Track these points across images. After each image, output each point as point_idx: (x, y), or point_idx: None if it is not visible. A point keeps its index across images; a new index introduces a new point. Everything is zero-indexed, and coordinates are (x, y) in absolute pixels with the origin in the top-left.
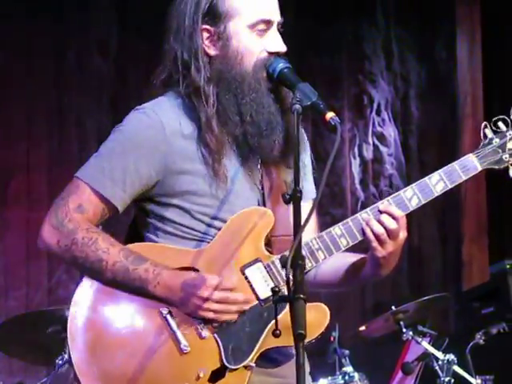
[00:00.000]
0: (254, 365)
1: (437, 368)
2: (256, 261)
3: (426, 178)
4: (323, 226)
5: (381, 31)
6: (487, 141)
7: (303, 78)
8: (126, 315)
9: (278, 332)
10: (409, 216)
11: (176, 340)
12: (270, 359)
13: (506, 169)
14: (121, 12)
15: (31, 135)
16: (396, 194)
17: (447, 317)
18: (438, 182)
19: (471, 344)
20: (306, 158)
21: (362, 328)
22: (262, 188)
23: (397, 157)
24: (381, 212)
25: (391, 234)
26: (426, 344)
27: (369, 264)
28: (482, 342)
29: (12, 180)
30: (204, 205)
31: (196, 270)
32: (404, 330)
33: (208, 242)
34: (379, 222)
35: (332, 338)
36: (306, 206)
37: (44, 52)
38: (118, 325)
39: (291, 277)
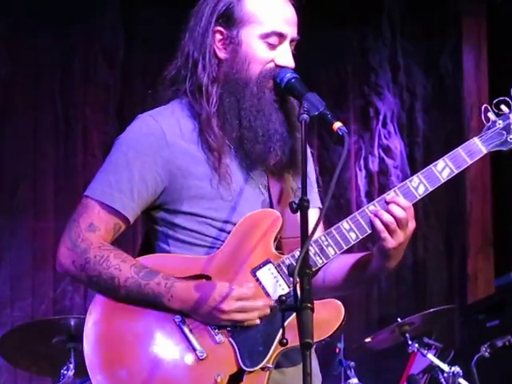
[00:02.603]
0: (271, 366)
1: (442, 380)
2: (266, 262)
3: (432, 166)
4: None
5: (387, 43)
6: (490, 124)
7: (309, 89)
8: (139, 327)
9: (284, 341)
10: (414, 228)
11: (191, 347)
12: (289, 358)
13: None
14: (127, 23)
15: (38, 146)
16: (402, 183)
17: (453, 329)
18: (443, 169)
19: (477, 357)
20: (310, 170)
21: (368, 340)
22: (269, 192)
23: (403, 169)
24: (387, 203)
25: (400, 223)
26: (431, 356)
27: (376, 258)
28: (487, 354)
29: (18, 190)
30: (213, 209)
31: (208, 277)
32: (409, 342)
33: (218, 247)
34: (388, 211)
35: (337, 350)
36: (312, 213)
37: (50, 63)
38: (132, 337)
39: (298, 286)
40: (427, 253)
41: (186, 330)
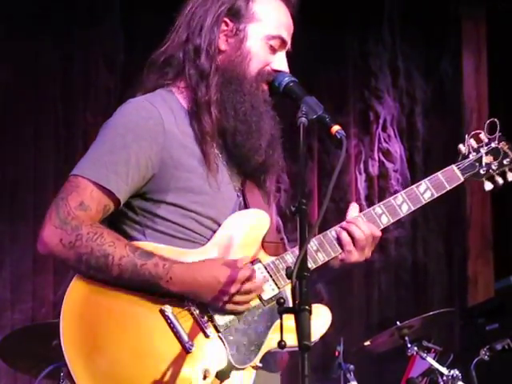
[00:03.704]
0: (261, 365)
1: None
2: (256, 261)
3: (414, 187)
4: None
5: (387, 48)
6: (466, 153)
7: (309, 93)
8: (124, 316)
9: (283, 343)
10: (414, 231)
11: (180, 339)
12: (267, 362)
13: (482, 182)
14: (128, 27)
15: (38, 149)
16: (386, 200)
17: (452, 332)
18: (425, 191)
19: (476, 360)
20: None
21: (367, 343)
22: (243, 195)
23: (402, 173)
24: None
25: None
26: (430, 359)
27: (329, 267)
28: (486, 358)
29: (19, 194)
30: (199, 203)
31: None
32: (409, 345)
33: (199, 242)
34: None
35: (337, 353)
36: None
37: (51, 67)
38: (117, 326)
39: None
40: (427, 256)
41: (175, 322)
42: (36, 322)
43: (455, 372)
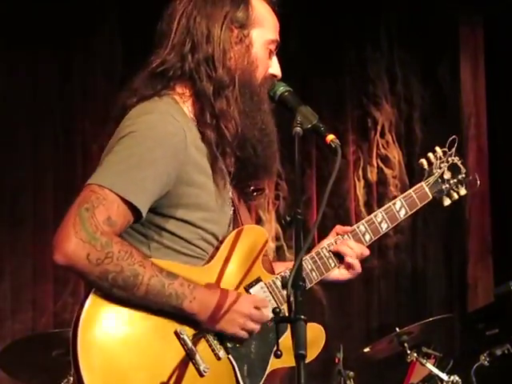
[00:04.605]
0: None
1: None
2: (258, 280)
3: (391, 204)
4: None
5: (384, 54)
6: (430, 170)
7: (307, 101)
8: (140, 337)
9: (279, 353)
10: (413, 237)
11: (195, 362)
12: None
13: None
14: (126, 36)
15: (37, 159)
16: (368, 218)
17: (452, 338)
18: (400, 209)
19: (476, 365)
20: None
21: (367, 349)
22: (233, 205)
23: (401, 179)
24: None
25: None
26: (430, 365)
27: None
28: (486, 363)
29: (18, 203)
30: (206, 220)
31: None
32: (408, 351)
33: (201, 258)
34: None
35: (336, 360)
36: None
37: (50, 76)
38: (133, 347)
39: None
40: (426, 261)
41: (190, 344)
42: (36, 332)
43: (455, 378)
